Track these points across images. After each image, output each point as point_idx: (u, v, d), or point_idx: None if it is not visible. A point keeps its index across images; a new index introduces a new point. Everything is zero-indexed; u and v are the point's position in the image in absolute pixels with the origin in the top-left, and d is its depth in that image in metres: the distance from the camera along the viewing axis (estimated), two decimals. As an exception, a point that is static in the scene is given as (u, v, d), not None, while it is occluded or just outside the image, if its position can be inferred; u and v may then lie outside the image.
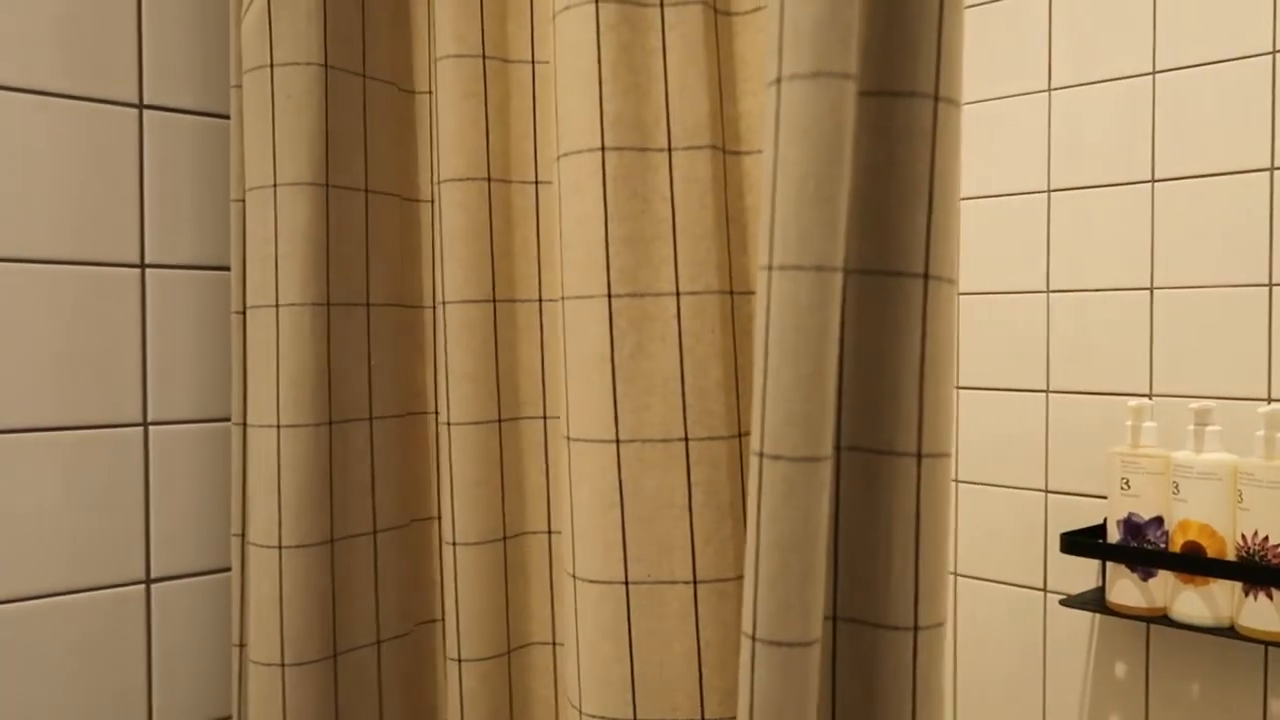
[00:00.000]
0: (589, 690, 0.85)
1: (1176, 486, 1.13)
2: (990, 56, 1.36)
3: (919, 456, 0.67)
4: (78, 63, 1.08)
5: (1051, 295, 1.32)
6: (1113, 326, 1.26)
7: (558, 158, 0.86)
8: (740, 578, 0.85)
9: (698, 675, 0.83)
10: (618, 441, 0.83)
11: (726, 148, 0.86)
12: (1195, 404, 1.13)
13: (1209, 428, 1.12)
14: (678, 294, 0.83)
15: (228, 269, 1.20)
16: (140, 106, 1.13)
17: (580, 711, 0.86)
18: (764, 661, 0.64)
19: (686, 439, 0.83)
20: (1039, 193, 1.33)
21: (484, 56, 1.02)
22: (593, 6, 0.82)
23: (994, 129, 1.37)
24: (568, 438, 0.86)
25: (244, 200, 1.09)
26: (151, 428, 1.14)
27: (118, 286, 1.12)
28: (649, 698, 0.83)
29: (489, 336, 1.05)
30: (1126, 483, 1.16)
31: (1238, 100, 1.17)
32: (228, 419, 1.20)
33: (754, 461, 0.65)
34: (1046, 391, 1.33)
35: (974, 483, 1.39)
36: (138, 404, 1.13)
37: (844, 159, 0.63)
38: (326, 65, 1.05)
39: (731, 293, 0.85)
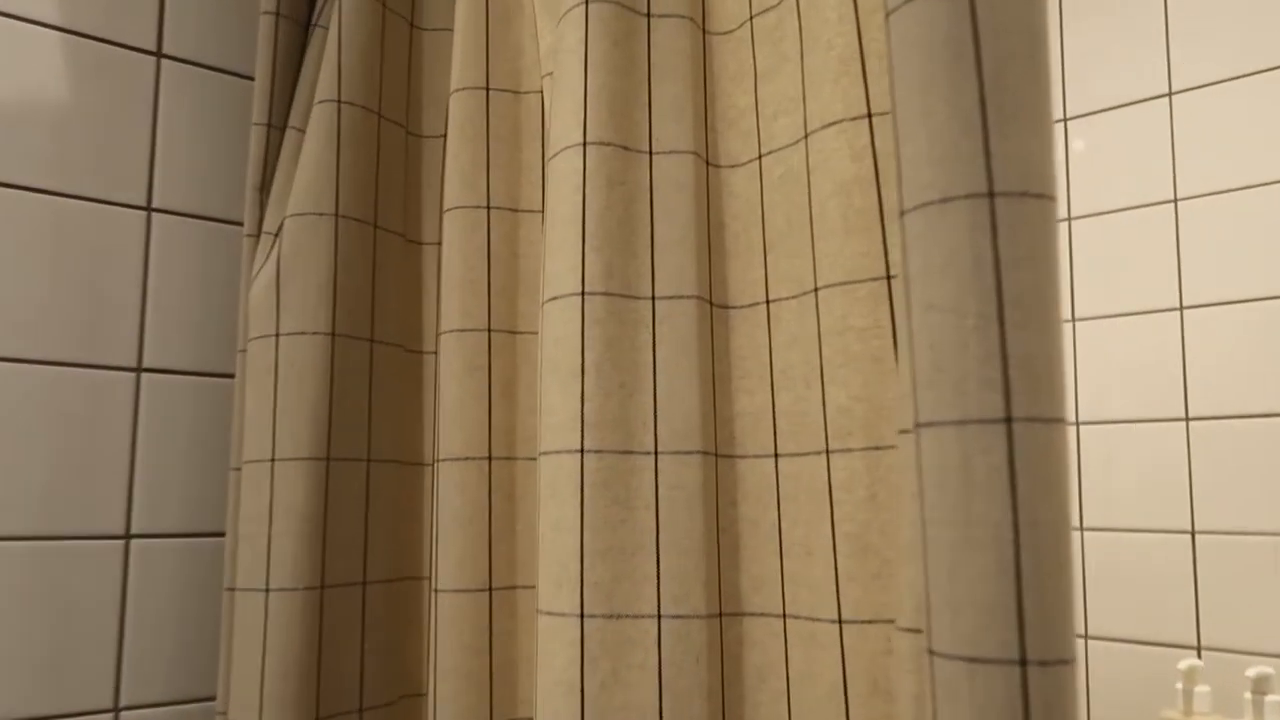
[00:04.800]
0: None
1: (1237, 760, 1.00)
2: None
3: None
4: (85, 334, 1.08)
5: (1086, 534, 1.24)
6: (1154, 571, 1.17)
7: (539, 455, 0.79)
8: None
9: None
10: (584, 789, 0.72)
11: (719, 452, 0.78)
12: (1253, 671, 1.02)
13: (1268, 697, 0.99)
14: (659, 616, 0.74)
15: (211, 536, 1.14)
16: (139, 370, 1.11)
17: None
18: None
19: (665, 790, 0.71)
20: (1069, 423, 1.26)
21: (489, 330, 0.97)
22: (578, 299, 0.77)
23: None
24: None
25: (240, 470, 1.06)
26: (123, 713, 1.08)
27: (101, 559, 1.07)
28: None
29: (483, 628, 0.96)
30: None
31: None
32: (209, 699, 1.12)
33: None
34: (1085, 637, 1.22)
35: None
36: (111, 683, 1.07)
37: None
38: (334, 334, 1.03)
39: (720, 615, 0.76)
